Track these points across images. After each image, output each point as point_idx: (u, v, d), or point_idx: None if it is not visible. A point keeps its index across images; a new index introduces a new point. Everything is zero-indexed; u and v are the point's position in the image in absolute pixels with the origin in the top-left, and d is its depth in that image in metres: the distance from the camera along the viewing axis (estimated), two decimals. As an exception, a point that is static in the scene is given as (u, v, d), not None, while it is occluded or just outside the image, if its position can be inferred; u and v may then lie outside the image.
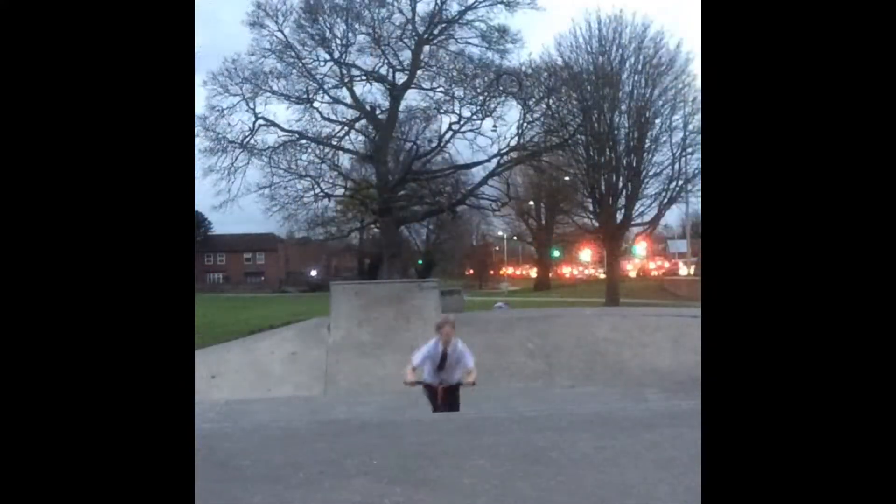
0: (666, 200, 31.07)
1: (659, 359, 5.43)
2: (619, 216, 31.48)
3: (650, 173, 31.02)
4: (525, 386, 5.57)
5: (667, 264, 57.39)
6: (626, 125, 31.22)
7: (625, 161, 31.07)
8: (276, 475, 3.56)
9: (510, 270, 75.95)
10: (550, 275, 60.43)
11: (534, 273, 65.13)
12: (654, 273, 54.38)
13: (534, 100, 31.09)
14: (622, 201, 31.42)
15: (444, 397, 6.60)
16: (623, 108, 31.14)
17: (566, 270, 71.74)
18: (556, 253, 58.87)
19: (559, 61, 31.61)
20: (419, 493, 3.25)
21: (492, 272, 72.07)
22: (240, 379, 5.72)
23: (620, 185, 31.38)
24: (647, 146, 30.66)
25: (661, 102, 29.61)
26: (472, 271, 67.89)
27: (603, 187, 31.47)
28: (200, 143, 31.43)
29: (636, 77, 30.64)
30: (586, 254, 57.12)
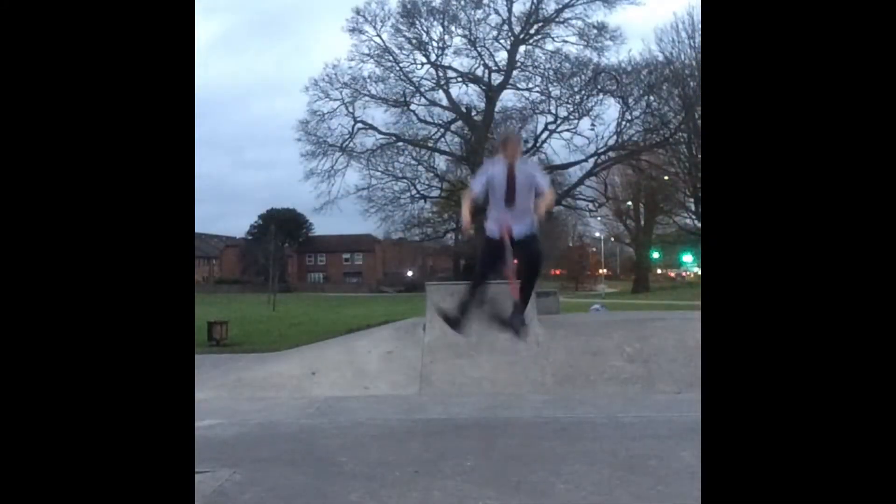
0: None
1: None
2: (723, 216, 30.24)
3: (756, 171, 29.63)
4: (623, 391, 5.42)
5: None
6: (731, 121, 30.02)
7: (729, 159, 29.82)
8: (372, 473, 3.62)
9: (607, 271, 74.46)
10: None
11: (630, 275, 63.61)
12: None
13: (633, 97, 30.39)
14: (726, 201, 30.18)
15: (516, 249, 4.84)
16: (727, 103, 30.02)
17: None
18: (656, 255, 57.21)
19: (660, 57, 30.82)
20: (513, 498, 3.22)
21: (588, 273, 70.98)
22: (338, 376, 5.86)
23: (724, 183, 30.14)
24: (752, 143, 29.31)
25: (768, 97, 28.07)
26: (559, 272, 66.89)
27: (706, 186, 30.32)
28: (302, 147, 32.73)
29: (741, 72, 29.43)
30: (687, 255, 55.29)
